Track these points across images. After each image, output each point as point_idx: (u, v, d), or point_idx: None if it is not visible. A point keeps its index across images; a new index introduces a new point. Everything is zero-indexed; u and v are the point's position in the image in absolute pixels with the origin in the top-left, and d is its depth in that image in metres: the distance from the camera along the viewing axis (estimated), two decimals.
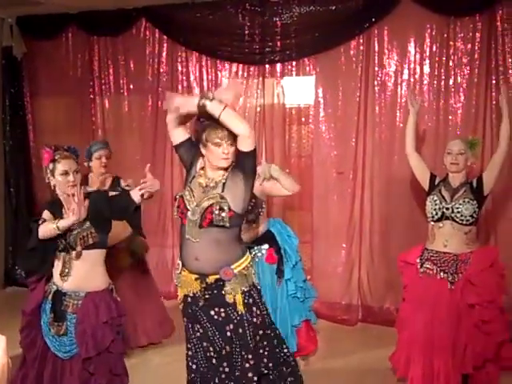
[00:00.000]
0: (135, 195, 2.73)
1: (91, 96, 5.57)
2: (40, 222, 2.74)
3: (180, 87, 5.26)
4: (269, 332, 2.69)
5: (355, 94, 4.72)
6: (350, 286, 4.88)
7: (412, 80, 4.56)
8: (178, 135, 2.68)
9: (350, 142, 4.77)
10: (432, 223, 3.38)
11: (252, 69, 5.04)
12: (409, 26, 4.52)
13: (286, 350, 2.76)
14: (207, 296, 2.61)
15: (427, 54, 4.49)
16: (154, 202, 4.14)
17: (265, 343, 2.65)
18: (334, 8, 4.62)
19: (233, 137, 2.53)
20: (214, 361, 2.66)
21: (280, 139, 5.02)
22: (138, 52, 5.35)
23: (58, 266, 2.81)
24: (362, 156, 4.76)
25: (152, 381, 3.73)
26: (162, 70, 5.30)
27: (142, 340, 4.16)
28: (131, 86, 5.44)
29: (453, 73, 4.42)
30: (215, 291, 2.59)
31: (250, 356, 2.57)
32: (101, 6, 5.16)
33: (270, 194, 3.73)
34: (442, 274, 3.30)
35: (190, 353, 2.74)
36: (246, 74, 5.07)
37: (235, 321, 2.59)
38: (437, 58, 4.46)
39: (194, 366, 2.73)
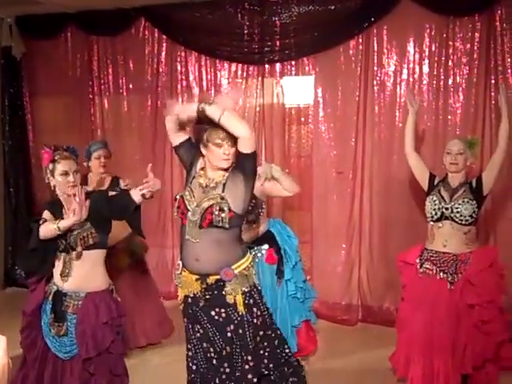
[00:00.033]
0: (135, 195, 2.73)
1: (90, 96, 5.56)
2: (41, 222, 2.74)
3: (179, 87, 5.26)
4: (269, 333, 2.69)
5: (354, 94, 4.71)
6: (350, 286, 4.88)
7: (411, 80, 4.55)
8: (178, 137, 2.69)
9: (349, 141, 4.76)
10: (431, 223, 3.37)
11: (251, 68, 5.03)
12: (408, 25, 4.52)
13: (287, 351, 2.76)
14: (208, 296, 2.61)
15: (426, 53, 4.48)
16: (154, 202, 4.12)
17: (265, 344, 2.65)
18: (333, 7, 4.61)
19: (234, 138, 2.53)
20: (214, 361, 2.66)
21: (279, 139, 5.02)
22: (137, 52, 5.34)
23: (58, 267, 2.81)
24: (362, 156, 4.76)
25: (151, 381, 3.73)
26: (161, 70, 5.30)
27: (141, 340, 4.15)
28: (130, 86, 5.43)
29: (452, 73, 4.41)
30: (216, 292, 2.60)
31: (249, 357, 2.57)
32: (100, 5, 5.15)
33: (270, 195, 3.74)
34: (441, 274, 3.30)
35: (190, 353, 2.74)
36: (245, 74, 5.06)
37: (236, 321, 2.59)
38: (436, 58, 4.45)
39: (194, 367, 2.73)
